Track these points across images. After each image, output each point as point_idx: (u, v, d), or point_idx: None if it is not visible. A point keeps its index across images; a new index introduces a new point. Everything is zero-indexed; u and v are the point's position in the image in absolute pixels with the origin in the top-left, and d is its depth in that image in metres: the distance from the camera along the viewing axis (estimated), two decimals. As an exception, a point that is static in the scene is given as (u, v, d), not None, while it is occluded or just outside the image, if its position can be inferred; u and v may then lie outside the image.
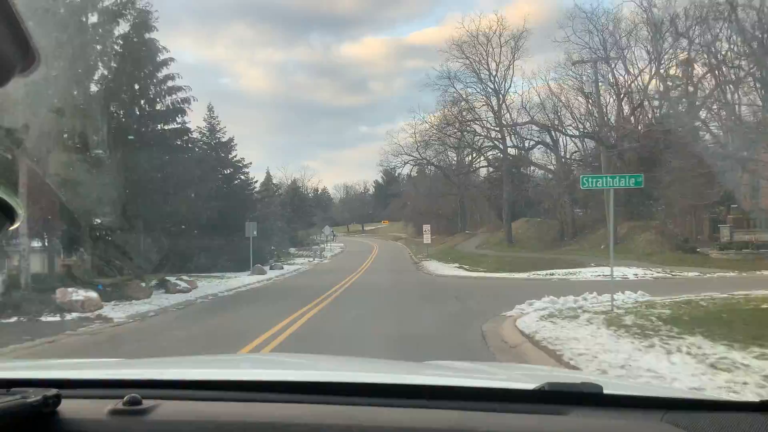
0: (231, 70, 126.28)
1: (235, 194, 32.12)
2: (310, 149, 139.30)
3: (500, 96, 45.26)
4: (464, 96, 46.26)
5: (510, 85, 53.83)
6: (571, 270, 24.16)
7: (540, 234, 42.83)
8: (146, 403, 1.30)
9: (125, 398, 1.29)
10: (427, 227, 42.18)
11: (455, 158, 57.52)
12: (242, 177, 35.03)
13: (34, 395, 1.22)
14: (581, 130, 40.64)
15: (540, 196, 44.37)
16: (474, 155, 54.53)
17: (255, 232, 27.99)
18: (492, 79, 45.25)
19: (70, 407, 1.29)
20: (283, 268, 32.19)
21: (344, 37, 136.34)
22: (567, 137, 43.17)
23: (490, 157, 52.20)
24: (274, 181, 64.98)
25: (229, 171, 33.39)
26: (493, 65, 45.08)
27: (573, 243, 37.15)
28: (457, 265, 32.08)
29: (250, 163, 35.51)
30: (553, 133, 42.66)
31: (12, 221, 1.01)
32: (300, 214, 59.02)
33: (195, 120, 38.37)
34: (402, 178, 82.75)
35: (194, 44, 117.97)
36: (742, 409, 1.35)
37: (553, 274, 23.33)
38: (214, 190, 27.31)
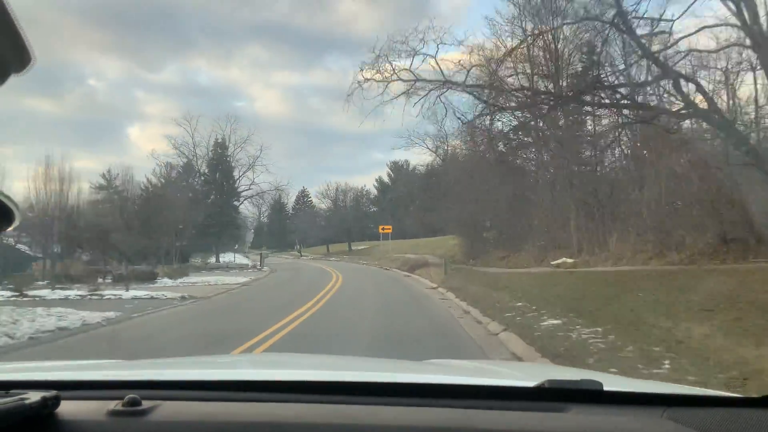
0: (246, 92, 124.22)
1: None
2: (320, 175, 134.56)
3: None
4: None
5: None
6: None
7: None
8: (146, 403, 1.30)
9: (125, 399, 1.29)
10: None
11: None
12: None
13: (33, 397, 1.21)
14: None
15: None
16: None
17: None
18: None
19: (69, 409, 1.29)
20: None
21: (360, 61, 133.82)
22: None
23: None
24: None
25: None
26: None
27: None
28: None
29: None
30: None
31: (9, 223, 1.08)
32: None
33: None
34: (417, 171, 58.23)
35: (209, 65, 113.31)
36: (743, 405, 1.35)
37: None
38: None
